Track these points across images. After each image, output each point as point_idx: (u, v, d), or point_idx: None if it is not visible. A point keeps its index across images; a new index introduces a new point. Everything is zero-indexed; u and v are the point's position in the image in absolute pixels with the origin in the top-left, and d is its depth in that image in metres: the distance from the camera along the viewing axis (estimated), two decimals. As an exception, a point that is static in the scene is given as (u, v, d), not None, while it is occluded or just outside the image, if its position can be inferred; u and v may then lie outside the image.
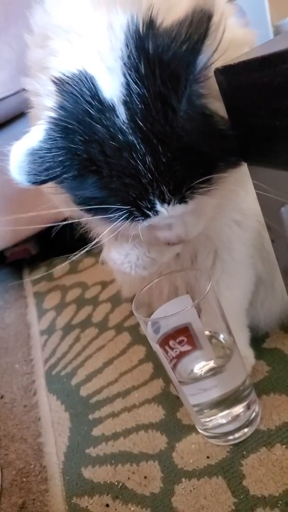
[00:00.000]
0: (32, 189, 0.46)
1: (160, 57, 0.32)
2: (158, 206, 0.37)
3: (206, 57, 0.32)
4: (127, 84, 0.34)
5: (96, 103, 0.34)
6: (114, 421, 0.64)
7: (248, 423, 0.53)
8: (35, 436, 0.68)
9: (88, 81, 0.34)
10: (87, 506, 0.53)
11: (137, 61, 0.33)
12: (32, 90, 0.40)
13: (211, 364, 0.54)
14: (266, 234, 0.46)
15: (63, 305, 1.03)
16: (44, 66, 0.37)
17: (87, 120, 0.35)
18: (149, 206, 0.36)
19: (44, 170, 0.35)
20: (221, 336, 0.54)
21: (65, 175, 0.36)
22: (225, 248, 0.55)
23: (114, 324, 0.87)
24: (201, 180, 0.36)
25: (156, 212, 0.37)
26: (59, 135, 0.35)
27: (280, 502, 0.44)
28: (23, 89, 0.43)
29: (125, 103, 0.34)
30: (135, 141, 0.34)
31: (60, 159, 0.35)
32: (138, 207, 0.36)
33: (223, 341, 0.54)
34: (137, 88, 0.33)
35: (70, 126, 0.35)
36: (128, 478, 0.54)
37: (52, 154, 0.35)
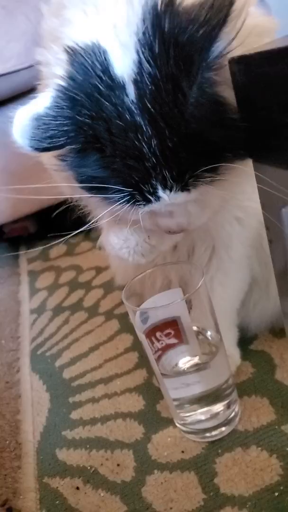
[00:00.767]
0: (35, 164, 0.45)
1: (176, 38, 0.31)
2: (160, 192, 0.36)
3: (223, 45, 0.31)
4: (139, 62, 0.33)
5: (106, 78, 0.33)
6: (93, 406, 0.64)
7: (226, 422, 0.53)
8: (14, 413, 0.68)
9: (100, 54, 0.33)
10: (57, 487, 0.53)
11: (151, 38, 0.32)
12: (43, 61, 0.39)
13: (196, 359, 0.54)
14: (266, 235, 0.45)
15: (56, 286, 1.03)
16: (57, 35, 0.36)
17: (95, 96, 0.34)
18: (151, 190, 0.35)
19: (48, 138, 0.34)
20: (208, 333, 0.54)
21: (68, 146, 0.35)
22: (223, 246, 0.54)
23: (105, 310, 0.87)
24: (206, 168, 0.35)
25: (157, 198, 0.36)
26: (66, 104, 0.34)
27: (249, 503, 0.44)
28: (36, 63, 0.42)
29: (136, 82, 0.33)
30: (142, 122, 0.33)
31: (65, 128, 0.34)
32: (140, 191, 0.35)
33: (210, 338, 0.53)
34: (149, 68, 0.32)
35: (78, 97, 0.34)
36: (101, 464, 0.54)
37: (58, 122, 0.34)
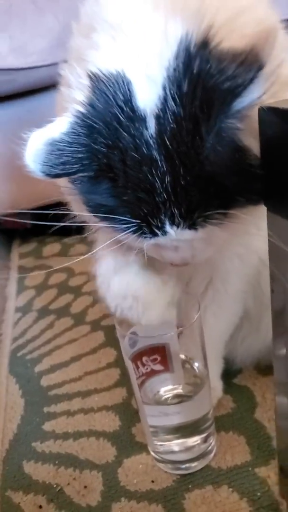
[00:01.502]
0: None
1: (203, 81, 0.31)
2: (167, 227, 0.35)
3: (249, 100, 0.31)
4: (165, 98, 0.32)
5: (127, 109, 0.33)
6: (67, 420, 0.63)
7: (200, 457, 0.52)
8: (-15, 416, 0.67)
9: (124, 85, 0.33)
10: (19, 503, 0.52)
11: (181, 76, 0.31)
12: (64, 78, 0.39)
13: (179, 389, 0.53)
14: (264, 272, 0.44)
15: (45, 287, 1.01)
16: (82, 57, 0.36)
17: (114, 125, 0.33)
18: (159, 225, 0.35)
19: (61, 164, 0.34)
20: (196, 365, 0.53)
21: (81, 174, 0.35)
22: (220, 279, 0.54)
23: (91, 319, 0.86)
24: (216, 212, 0.35)
25: (164, 232, 0.36)
26: (83, 131, 0.34)
27: None
28: (57, 63, 0.42)
29: (157, 117, 0.33)
30: (158, 158, 0.33)
31: (79, 156, 0.34)
32: (148, 223, 0.35)
33: (197, 370, 0.53)
34: (174, 105, 0.32)
35: (96, 125, 0.34)
36: (68, 484, 0.53)
37: (72, 149, 0.34)
